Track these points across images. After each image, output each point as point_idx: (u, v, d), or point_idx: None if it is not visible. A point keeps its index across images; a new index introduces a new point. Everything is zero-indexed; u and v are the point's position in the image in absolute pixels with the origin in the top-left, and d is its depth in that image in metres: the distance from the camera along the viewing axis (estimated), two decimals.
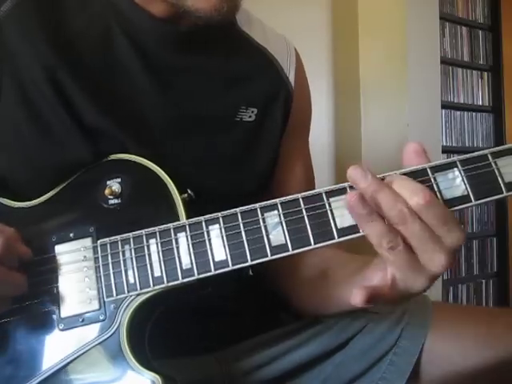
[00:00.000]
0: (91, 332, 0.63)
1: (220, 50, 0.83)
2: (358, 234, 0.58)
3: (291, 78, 0.90)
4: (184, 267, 0.61)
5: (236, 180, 0.82)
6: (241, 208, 0.61)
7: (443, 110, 2.47)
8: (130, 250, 0.63)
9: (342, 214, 0.58)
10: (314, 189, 0.97)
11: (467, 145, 2.61)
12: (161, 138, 0.76)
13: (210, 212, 0.62)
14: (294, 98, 0.90)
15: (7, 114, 0.72)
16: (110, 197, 0.67)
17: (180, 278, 0.61)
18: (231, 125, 0.81)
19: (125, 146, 0.72)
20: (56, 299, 0.64)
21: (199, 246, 0.61)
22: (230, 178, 0.81)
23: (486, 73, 2.72)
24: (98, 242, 0.65)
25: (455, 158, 0.58)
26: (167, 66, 0.78)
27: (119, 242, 0.64)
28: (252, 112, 0.83)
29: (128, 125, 0.74)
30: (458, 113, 2.59)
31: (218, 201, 0.67)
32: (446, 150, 2.45)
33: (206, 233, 0.61)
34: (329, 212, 0.58)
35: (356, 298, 0.57)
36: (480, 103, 2.69)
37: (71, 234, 0.66)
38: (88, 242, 0.65)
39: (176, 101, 0.78)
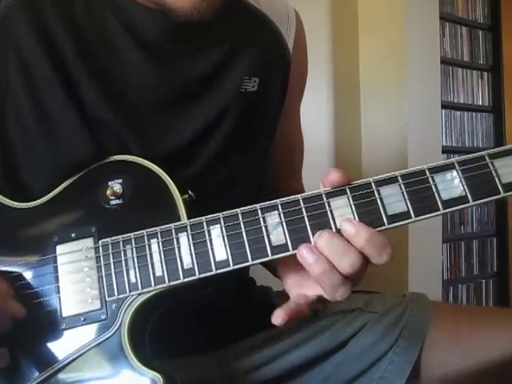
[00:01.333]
0: (93, 331, 0.63)
1: (219, 26, 0.80)
2: None
3: (290, 43, 0.88)
4: (185, 267, 0.61)
5: (241, 153, 0.82)
6: (241, 208, 0.61)
7: (443, 110, 2.47)
8: (132, 249, 0.63)
9: (341, 214, 0.59)
10: (301, 159, 0.97)
11: (467, 145, 2.61)
12: (164, 125, 0.76)
13: (213, 205, 0.63)
14: (291, 64, 0.88)
15: (14, 107, 0.72)
16: (111, 197, 0.67)
17: (181, 277, 0.61)
18: (235, 97, 0.80)
19: (127, 138, 0.73)
20: (57, 299, 0.65)
21: (200, 246, 0.61)
22: (234, 150, 0.81)
23: (486, 73, 2.72)
24: (100, 242, 0.65)
25: (453, 159, 0.59)
26: (167, 53, 0.77)
27: (121, 242, 0.64)
28: (255, 81, 0.81)
29: (130, 116, 0.74)
30: (458, 113, 2.59)
31: (221, 173, 0.66)
32: (446, 150, 2.46)
33: (206, 233, 0.61)
34: (328, 212, 0.59)
35: (278, 319, 0.60)
36: (480, 103, 2.69)
37: (73, 234, 0.66)
38: (90, 242, 0.65)
39: (178, 85, 0.77)
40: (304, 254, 0.58)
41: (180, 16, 0.70)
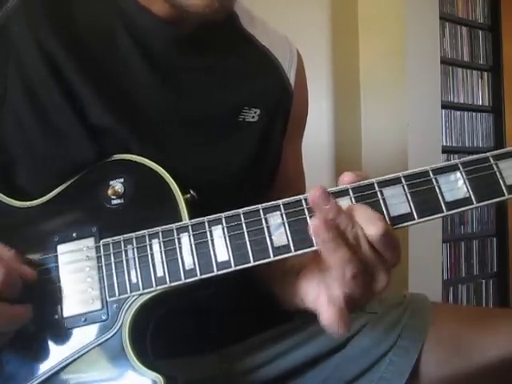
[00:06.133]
0: (94, 331, 0.63)
1: (223, 50, 0.83)
2: None
3: (291, 79, 0.89)
4: (187, 267, 0.61)
5: (237, 181, 0.81)
6: (243, 209, 0.61)
7: (443, 110, 2.47)
8: (133, 249, 0.63)
9: None
10: (304, 192, 0.97)
11: (467, 145, 2.61)
12: (164, 137, 0.76)
13: (212, 213, 0.63)
14: (293, 99, 0.89)
15: (13, 113, 0.71)
16: (112, 197, 0.67)
17: (182, 278, 0.61)
18: (234, 125, 0.81)
19: (128, 145, 0.72)
20: (58, 299, 0.64)
21: (202, 247, 0.61)
22: (233, 179, 0.80)
23: (486, 73, 2.72)
24: (101, 241, 0.65)
25: (457, 160, 0.59)
26: (171, 66, 0.78)
27: (122, 242, 0.64)
28: (255, 112, 0.82)
29: (132, 124, 0.74)
30: (458, 113, 2.59)
31: (219, 201, 0.67)
32: (446, 150, 2.46)
33: (208, 233, 0.61)
34: None
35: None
36: (480, 103, 2.69)
37: (74, 234, 0.66)
38: (91, 241, 0.65)
39: (179, 101, 0.78)
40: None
41: (192, 14, 0.71)
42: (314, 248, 0.59)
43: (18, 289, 0.61)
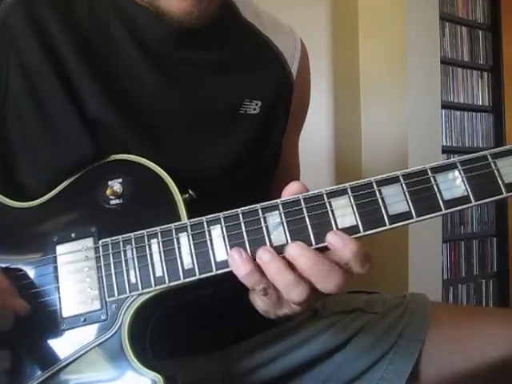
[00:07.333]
0: (93, 332, 0.63)
1: (224, 42, 0.82)
2: (358, 235, 0.58)
3: (294, 70, 0.89)
4: (185, 267, 0.61)
5: (239, 174, 0.81)
6: (242, 208, 0.61)
7: (443, 110, 2.47)
8: (132, 249, 0.63)
9: (343, 214, 0.58)
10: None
11: (467, 145, 2.61)
12: (162, 132, 0.76)
13: (214, 207, 0.62)
14: (294, 89, 0.89)
15: (14, 108, 0.72)
16: (111, 197, 0.67)
17: (182, 278, 0.61)
18: (236, 118, 0.80)
19: (125, 141, 0.72)
20: (57, 299, 0.64)
21: (201, 246, 0.61)
22: (233, 172, 0.80)
23: (486, 73, 2.72)
24: (100, 242, 0.65)
25: (455, 158, 0.59)
26: (169, 60, 0.77)
27: (121, 242, 0.64)
28: (256, 104, 0.82)
29: (129, 118, 0.73)
30: (458, 113, 2.59)
31: (221, 196, 0.67)
32: (446, 150, 2.46)
33: (207, 233, 0.61)
34: (330, 212, 0.58)
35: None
36: (480, 103, 2.69)
37: (73, 234, 0.66)
38: (89, 242, 0.65)
39: (179, 95, 0.77)
40: (261, 254, 0.58)
41: (175, 21, 0.71)
42: (312, 247, 0.58)
43: (8, 321, 0.61)
